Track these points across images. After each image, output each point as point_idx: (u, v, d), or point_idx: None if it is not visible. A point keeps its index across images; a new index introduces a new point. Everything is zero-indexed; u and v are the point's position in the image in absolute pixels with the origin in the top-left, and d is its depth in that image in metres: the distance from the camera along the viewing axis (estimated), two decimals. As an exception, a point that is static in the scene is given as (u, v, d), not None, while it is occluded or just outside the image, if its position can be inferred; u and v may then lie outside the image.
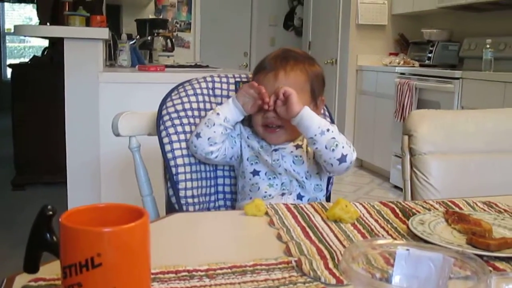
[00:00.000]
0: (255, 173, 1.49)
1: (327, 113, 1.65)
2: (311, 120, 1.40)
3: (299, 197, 1.47)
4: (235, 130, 1.52)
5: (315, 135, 1.38)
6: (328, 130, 1.39)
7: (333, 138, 1.39)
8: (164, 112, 1.51)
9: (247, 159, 1.51)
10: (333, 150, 1.38)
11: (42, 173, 4.55)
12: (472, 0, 4.54)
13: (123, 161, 2.05)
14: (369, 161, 5.70)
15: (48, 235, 0.70)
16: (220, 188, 1.59)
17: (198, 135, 1.45)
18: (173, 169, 1.46)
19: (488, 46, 4.36)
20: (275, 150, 1.48)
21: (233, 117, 1.47)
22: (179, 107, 1.52)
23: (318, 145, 1.39)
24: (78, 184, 2.92)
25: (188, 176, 1.48)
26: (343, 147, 1.39)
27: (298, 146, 1.49)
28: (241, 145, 1.52)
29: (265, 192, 1.47)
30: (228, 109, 1.46)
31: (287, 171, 1.47)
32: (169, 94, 1.55)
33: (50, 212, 0.70)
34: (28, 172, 4.63)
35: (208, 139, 1.44)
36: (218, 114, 1.45)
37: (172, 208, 1.47)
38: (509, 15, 4.61)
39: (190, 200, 1.47)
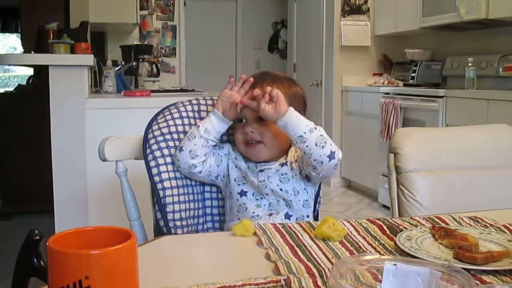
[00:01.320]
0: (243, 193, 1.50)
1: None
2: (299, 118, 1.41)
3: (287, 216, 1.47)
4: (223, 149, 1.53)
5: (305, 132, 1.39)
6: (315, 128, 1.41)
7: (321, 135, 1.41)
8: (150, 135, 1.51)
9: (234, 180, 1.51)
10: (322, 147, 1.39)
11: (30, 202, 4.51)
12: (453, 20, 4.60)
13: (110, 186, 2.04)
14: (357, 181, 5.71)
15: (35, 260, 0.70)
16: (208, 210, 1.59)
17: (180, 149, 1.46)
18: (161, 192, 1.46)
19: (470, 64, 4.41)
20: (261, 171, 1.48)
21: (214, 128, 1.47)
22: (165, 130, 1.52)
23: (308, 143, 1.39)
24: (66, 211, 2.90)
25: (176, 198, 1.47)
26: (330, 144, 1.42)
27: (283, 164, 1.49)
28: (228, 165, 1.52)
29: (253, 212, 1.47)
30: (208, 120, 1.48)
31: (274, 191, 1.47)
32: (154, 118, 1.55)
33: (37, 237, 0.70)
34: (15, 201, 4.59)
35: (190, 151, 1.45)
36: (198, 126, 1.47)
37: (160, 231, 1.46)
38: (490, 34, 4.68)
39: (178, 223, 1.47)
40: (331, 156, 1.40)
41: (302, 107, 1.54)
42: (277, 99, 1.40)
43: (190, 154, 1.45)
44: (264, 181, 1.47)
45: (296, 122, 1.40)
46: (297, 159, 1.51)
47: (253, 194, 1.49)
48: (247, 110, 1.47)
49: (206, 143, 1.46)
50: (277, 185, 1.48)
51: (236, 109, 1.47)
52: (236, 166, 1.52)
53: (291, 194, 1.48)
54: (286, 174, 1.49)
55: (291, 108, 1.41)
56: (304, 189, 1.51)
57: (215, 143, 1.50)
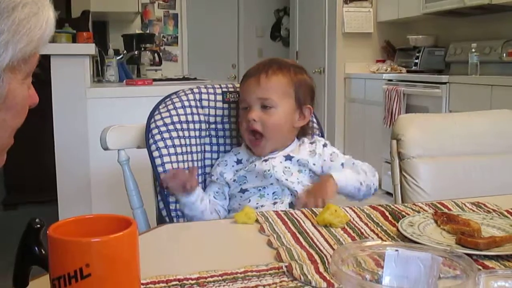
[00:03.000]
0: (244, 191, 1.49)
1: (315, 121, 1.64)
2: (346, 182, 1.45)
3: (291, 206, 1.47)
4: (216, 174, 1.52)
5: (354, 195, 1.49)
6: (361, 183, 1.48)
7: (367, 185, 1.49)
8: (152, 125, 1.51)
9: (235, 181, 1.50)
10: (369, 194, 1.50)
11: (33, 192, 4.52)
12: (456, 5, 4.57)
13: (112, 175, 2.04)
14: (360, 168, 5.70)
15: (36, 248, 0.69)
16: None
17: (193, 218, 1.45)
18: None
19: (473, 50, 4.39)
20: (265, 160, 1.48)
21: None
22: (168, 120, 1.52)
23: (357, 198, 1.49)
24: (69, 200, 2.90)
25: (179, 188, 1.47)
26: (373, 184, 1.51)
27: (288, 157, 1.48)
28: (225, 177, 1.52)
29: (257, 203, 1.46)
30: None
31: (279, 180, 1.46)
32: (156, 107, 1.55)
33: (38, 225, 0.70)
34: (18, 191, 4.60)
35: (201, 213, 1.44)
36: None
37: (163, 220, 1.46)
38: (493, 19, 4.65)
39: (180, 213, 1.47)
40: (374, 190, 1.51)
41: (308, 96, 1.53)
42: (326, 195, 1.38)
43: (202, 215, 1.44)
44: (269, 170, 1.46)
45: (346, 187, 1.46)
46: (322, 165, 1.51)
47: (255, 188, 1.48)
48: (250, 96, 1.46)
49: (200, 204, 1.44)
50: (282, 175, 1.47)
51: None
52: (236, 171, 1.51)
53: (296, 184, 1.47)
54: (289, 168, 1.48)
55: (338, 180, 1.43)
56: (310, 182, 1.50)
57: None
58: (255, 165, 1.47)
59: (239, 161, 1.52)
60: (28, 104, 0.85)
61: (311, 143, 1.54)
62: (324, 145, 1.54)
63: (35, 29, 0.75)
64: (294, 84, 1.48)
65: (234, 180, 1.50)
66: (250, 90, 1.47)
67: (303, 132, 1.56)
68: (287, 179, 1.46)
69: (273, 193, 1.47)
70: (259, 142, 1.47)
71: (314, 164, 1.49)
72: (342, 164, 1.52)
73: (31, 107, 0.87)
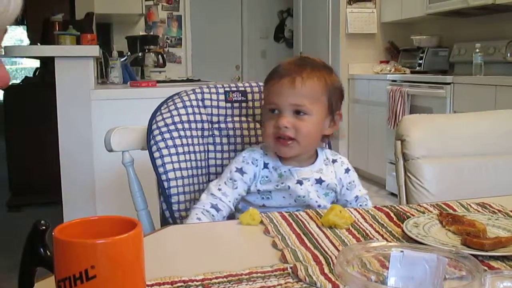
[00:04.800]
0: (265, 207, 1.39)
1: None
2: None
3: None
4: (246, 176, 1.41)
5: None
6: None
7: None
8: (154, 126, 1.51)
9: (258, 191, 1.40)
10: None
11: (37, 194, 4.53)
12: (460, 5, 4.57)
13: (117, 176, 2.05)
14: (364, 169, 5.69)
15: (41, 249, 0.69)
16: None
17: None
18: (165, 183, 1.46)
19: (477, 50, 4.39)
20: (300, 182, 1.38)
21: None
22: (169, 121, 1.51)
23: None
24: (74, 202, 2.91)
25: (181, 189, 1.47)
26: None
27: (319, 181, 1.41)
28: (252, 181, 1.41)
29: None
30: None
31: (310, 206, 1.37)
32: (158, 108, 1.55)
33: (43, 227, 0.70)
34: (23, 193, 4.62)
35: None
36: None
37: (166, 221, 1.47)
38: (497, 19, 4.64)
39: (183, 213, 1.47)
40: None
41: (339, 100, 1.44)
42: None
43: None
44: (304, 196, 1.37)
45: None
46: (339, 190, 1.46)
47: (276, 207, 1.38)
48: (283, 100, 1.35)
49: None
50: (315, 203, 1.39)
51: None
52: (262, 177, 1.41)
53: (318, 206, 1.39)
54: (318, 192, 1.40)
55: None
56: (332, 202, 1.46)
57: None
58: (289, 186, 1.37)
59: (265, 165, 1.42)
60: None
61: (334, 161, 1.47)
62: (346, 171, 1.47)
63: None
64: (328, 90, 1.39)
65: (258, 192, 1.40)
66: (282, 93, 1.35)
67: (325, 137, 1.48)
68: (319, 205, 1.38)
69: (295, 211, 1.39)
70: (287, 143, 1.36)
71: (335, 185, 1.44)
72: (356, 198, 1.46)
73: (1, 88, 0.83)
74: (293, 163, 1.42)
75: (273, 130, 1.36)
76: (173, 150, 1.48)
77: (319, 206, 1.38)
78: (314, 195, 1.39)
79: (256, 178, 1.40)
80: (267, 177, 1.41)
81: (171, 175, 1.46)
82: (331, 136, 1.48)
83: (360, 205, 1.45)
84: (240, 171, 1.40)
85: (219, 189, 1.40)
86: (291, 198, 1.38)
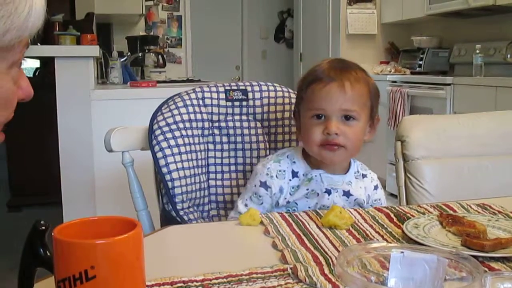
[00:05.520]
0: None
1: None
2: None
3: None
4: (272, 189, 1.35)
5: None
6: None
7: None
8: (155, 126, 1.50)
9: (287, 203, 1.35)
10: None
11: (37, 194, 4.53)
12: (460, 6, 4.56)
13: (117, 176, 2.04)
14: (364, 170, 5.69)
15: (41, 250, 0.69)
16: (213, 198, 1.57)
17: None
18: (170, 183, 1.46)
19: (477, 51, 4.38)
20: (328, 192, 1.34)
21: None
22: (170, 120, 1.51)
23: None
24: (74, 202, 2.91)
25: (184, 189, 1.47)
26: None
27: (347, 194, 1.37)
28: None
29: None
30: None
31: None
32: (159, 109, 1.55)
33: (43, 227, 0.69)
34: (23, 193, 4.61)
35: None
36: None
37: (167, 221, 1.46)
38: (498, 20, 4.64)
39: (187, 210, 1.47)
40: None
41: (378, 101, 1.40)
42: None
43: None
44: (328, 207, 1.28)
45: None
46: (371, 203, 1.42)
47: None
48: (331, 105, 1.29)
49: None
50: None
51: None
52: (292, 188, 1.35)
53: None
54: (345, 206, 1.32)
55: None
56: None
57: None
58: (318, 194, 1.34)
59: (294, 174, 1.37)
60: (15, 97, 0.79)
61: (364, 176, 1.43)
62: (375, 188, 1.45)
63: (13, 17, 0.71)
64: (371, 93, 1.35)
65: (288, 203, 1.35)
66: (330, 97, 1.29)
67: None
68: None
69: None
70: (336, 150, 1.30)
71: (363, 201, 1.41)
72: None
73: (24, 100, 0.81)
74: (324, 169, 1.36)
75: (320, 136, 1.30)
76: (175, 150, 1.48)
77: None
78: None
79: (282, 192, 1.35)
80: (297, 186, 1.36)
81: (175, 175, 1.46)
82: (367, 141, 1.42)
83: None
84: (265, 185, 1.35)
85: (246, 205, 1.36)
86: (316, 207, 1.34)
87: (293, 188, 1.35)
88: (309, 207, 1.34)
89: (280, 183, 1.34)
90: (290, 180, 1.35)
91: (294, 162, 1.37)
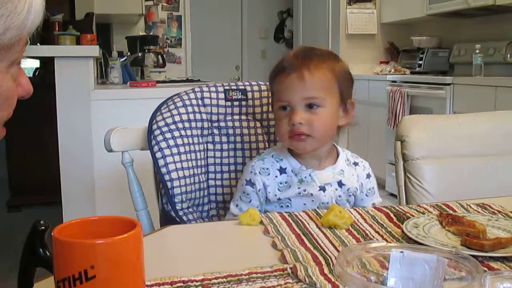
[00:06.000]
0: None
1: None
2: None
3: None
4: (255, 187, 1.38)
5: None
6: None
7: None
8: (154, 126, 1.50)
9: (278, 200, 1.36)
10: None
11: (37, 194, 4.52)
12: (460, 6, 4.56)
13: (116, 176, 2.05)
14: (364, 170, 5.69)
15: (41, 250, 0.69)
16: (212, 198, 1.58)
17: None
18: (169, 183, 1.46)
19: (477, 51, 4.38)
20: (322, 189, 1.35)
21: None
22: (169, 120, 1.51)
23: None
24: (73, 202, 2.91)
25: (183, 189, 1.47)
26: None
27: (340, 184, 1.38)
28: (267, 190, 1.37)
29: None
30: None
31: None
32: (158, 109, 1.55)
33: (43, 227, 0.69)
34: (23, 193, 4.61)
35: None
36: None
37: (166, 221, 1.46)
38: (497, 20, 4.64)
39: (186, 211, 1.47)
40: None
41: (350, 87, 1.39)
42: None
43: None
44: (328, 203, 1.33)
45: None
46: (358, 194, 1.43)
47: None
48: (293, 96, 1.30)
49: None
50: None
51: None
52: (280, 183, 1.36)
53: None
54: (341, 197, 1.38)
55: None
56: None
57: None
58: (311, 194, 1.34)
59: (282, 170, 1.37)
60: (15, 95, 0.80)
61: (355, 163, 1.44)
62: (368, 176, 1.45)
63: (12, 16, 0.71)
64: (338, 77, 1.34)
65: (279, 200, 1.35)
66: (292, 88, 1.30)
67: (338, 128, 1.42)
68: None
69: None
70: (303, 140, 1.31)
71: (356, 189, 1.41)
72: (373, 205, 1.43)
73: (23, 97, 0.82)
74: (312, 161, 1.38)
75: (287, 128, 1.32)
76: (175, 150, 1.48)
77: None
78: (335, 201, 1.36)
79: (267, 188, 1.36)
80: (286, 182, 1.36)
81: (174, 175, 1.46)
82: (346, 126, 1.42)
83: None
84: (250, 183, 1.38)
85: (237, 206, 1.40)
86: (313, 205, 1.34)
87: (281, 184, 1.36)
88: (304, 204, 1.35)
89: (264, 180, 1.36)
90: (276, 176, 1.37)
91: (281, 159, 1.39)
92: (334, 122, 1.35)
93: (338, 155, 1.42)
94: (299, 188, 1.35)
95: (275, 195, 1.36)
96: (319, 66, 1.31)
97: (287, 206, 1.35)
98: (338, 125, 1.38)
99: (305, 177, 1.36)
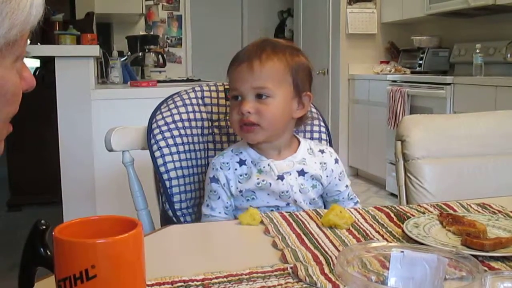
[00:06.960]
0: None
1: (314, 110, 1.57)
2: None
3: None
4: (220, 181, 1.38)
5: None
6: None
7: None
8: (154, 125, 1.50)
9: (240, 194, 1.37)
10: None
11: (37, 193, 4.52)
12: (460, 6, 4.56)
13: (117, 176, 2.05)
14: (364, 169, 5.70)
15: (42, 249, 0.69)
16: None
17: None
18: (167, 183, 1.46)
19: (477, 51, 4.38)
20: (281, 178, 1.35)
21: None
22: (169, 119, 1.51)
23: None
24: (74, 201, 2.91)
25: (182, 188, 1.47)
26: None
27: (301, 173, 1.38)
28: (230, 184, 1.38)
29: None
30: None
31: (296, 202, 1.36)
32: (158, 108, 1.55)
33: (43, 227, 0.69)
34: (23, 192, 4.61)
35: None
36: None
37: (167, 221, 1.46)
38: (498, 20, 4.64)
39: (185, 211, 1.47)
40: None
41: (307, 81, 1.38)
42: None
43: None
44: (287, 192, 1.34)
45: None
46: (330, 181, 1.42)
47: (267, 207, 1.35)
48: (243, 85, 1.31)
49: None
50: (300, 195, 1.36)
51: None
52: (240, 175, 1.37)
53: (307, 204, 1.38)
54: (304, 185, 1.37)
55: None
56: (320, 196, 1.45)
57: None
58: (270, 184, 1.34)
59: (242, 162, 1.38)
60: (20, 90, 0.81)
61: (321, 151, 1.44)
62: (336, 161, 1.44)
63: (16, 13, 0.72)
64: (291, 69, 1.33)
65: (240, 192, 1.36)
66: (242, 78, 1.32)
67: (299, 121, 1.43)
68: (304, 200, 1.36)
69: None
70: (252, 129, 1.32)
71: (327, 176, 1.41)
72: (347, 186, 1.45)
73: (27, 90, 0.83)
74: (271, 152, 1.38)
75: (237, 117, 1.33)
76: (174, 149, 1.48)
77: (305, 200, 1.36)
78: (297, 189, 1.35)
79: (229, 182, 1.37)
80: (246, 174, 1.37)
81: (172, 174, 1.46)
82: (304, 119, 1.44)
83: (352, 198, 1.47)
84: (214, 179, 1.38)
85: (207, 205, 1.40)
86: (275, 195, 1.35)
87: (241, 176, 1.37)
88: (268, 194, 1.35)
89: (226, 173, 1.37)
90: (236, 169, 1.37)
91: (241, 152, 1.39)
92: (286, 113, 1.35)
93: (299, 145, 1.42)
94: (258, 178, 1.35)
95: (237, 188, 1.36)
96: (270, 57, 1.32)
97: (253, 198, 1.35)
98: (294, 117, 1.38)
99: (264, 167, 1.36)
